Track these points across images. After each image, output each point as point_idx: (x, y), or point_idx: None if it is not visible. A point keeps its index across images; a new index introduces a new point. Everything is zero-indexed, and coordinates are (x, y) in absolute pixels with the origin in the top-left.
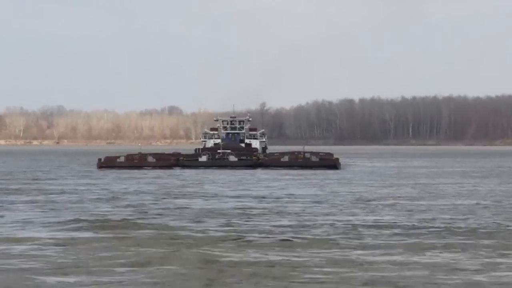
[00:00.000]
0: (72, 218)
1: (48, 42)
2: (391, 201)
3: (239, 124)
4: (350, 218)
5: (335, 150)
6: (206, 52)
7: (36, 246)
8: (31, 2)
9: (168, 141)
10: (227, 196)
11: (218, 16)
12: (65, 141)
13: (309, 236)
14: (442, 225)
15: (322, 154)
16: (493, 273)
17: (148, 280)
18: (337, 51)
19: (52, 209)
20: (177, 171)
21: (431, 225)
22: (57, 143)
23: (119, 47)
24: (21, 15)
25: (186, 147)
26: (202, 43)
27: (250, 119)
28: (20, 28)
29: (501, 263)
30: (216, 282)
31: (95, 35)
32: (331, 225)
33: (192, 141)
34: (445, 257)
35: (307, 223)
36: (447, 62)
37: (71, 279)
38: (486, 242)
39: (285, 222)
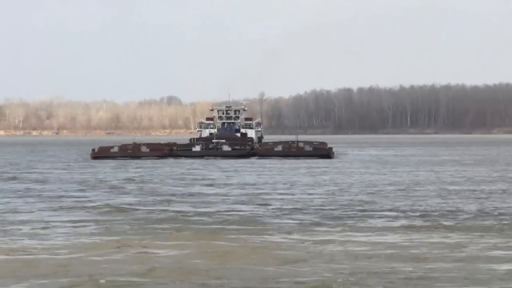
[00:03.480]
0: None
1: (46, 33)
2: (375, 189)
3: (235, 113)
4: (342, 203)
5: (333, 139)
6: (204, 41)
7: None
8: None
9: (167, 131)
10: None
11: (214, 5)
12: (65, 131)
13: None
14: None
15: (316, 143)
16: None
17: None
18: (336, 39)
19: (35, 196)
20: (171, 160)
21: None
22: (57, 133)
23: (117, 36)
24: (19, 6)
25: (185, 136)
26: (201, 32)
27: (246, 108)
28: (18, 19)
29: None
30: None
31: (93, 25)
32: (316, 210)
33: (191, 131)
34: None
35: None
36: (445, 50)
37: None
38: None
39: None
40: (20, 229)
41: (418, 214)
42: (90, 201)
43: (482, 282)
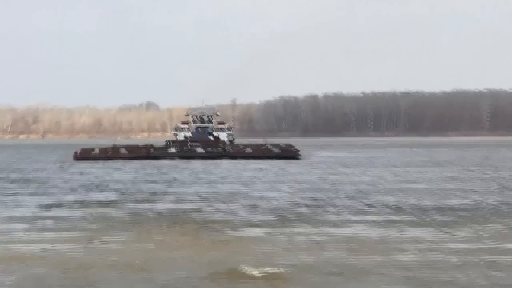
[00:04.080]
0: (55, 198)
1: (31, 40)
2: (333, 187)
3: (208, 118)
4: (305, 200)
5: (300, 142)
6: (181, 50)
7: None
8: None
9: (146, 134)
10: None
11: (186, 20)
12: (50, 135)
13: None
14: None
15: (283, 146)
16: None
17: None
18: (303, 49)
19: (32, 195)
20: (147, 161)
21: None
22: (42, 137)
23: (99, 45)
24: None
25: (162, 140)
26: (178, 41)
27: (218, 113)
28: (4, 25)
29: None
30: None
31: (76, 32)
32: (288, 208)
33: (168, 134)
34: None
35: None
36: (405, 59)
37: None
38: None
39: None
40: (7, 224)
41: (376, 209)
42: (67, 199)
43: (436, 268)
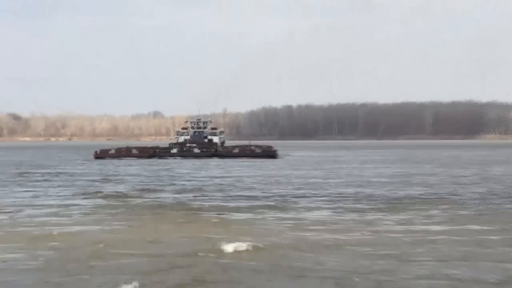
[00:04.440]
0: (75, 189)
1: (60, 57)
2: (305, 180)
3: (203, 124)
4: (281, 191)
5: (278, 144)
6: (182, 67)
7: (61, 209)
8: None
9: (153, 137)
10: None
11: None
12: (75, 138)
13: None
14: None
15: (264, 147)
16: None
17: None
18: (280, 65)
19: (60, 186)
20: (154, 160)
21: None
22: (69, 139)
23: (116, 60)
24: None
25: (166, 142)
26: (181, 58)
27: (212, 121)
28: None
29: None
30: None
31: (95, 50)
32: (266, 197)
33: (171, 137)
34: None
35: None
36: (363, 74)
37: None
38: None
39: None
40: (40, 210)
41: (340, 198)
42: (87, 189)
43: (387, 247)
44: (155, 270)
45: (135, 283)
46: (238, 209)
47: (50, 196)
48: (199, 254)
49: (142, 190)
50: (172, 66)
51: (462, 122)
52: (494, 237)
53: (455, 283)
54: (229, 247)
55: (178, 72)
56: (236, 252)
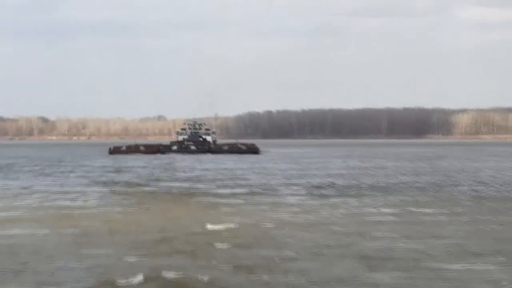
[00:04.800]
0: (92, 179)
1: (79, 70)
2: (282, 171)
3: (199, 126)
4: (263, 180)
5: (260, 142)
6: (180, 81)
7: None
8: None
9: (158, 137)
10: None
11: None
12: (93, 137)
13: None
14: (315, 183)
15: (249, 144)
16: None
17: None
18: (262, 75)
19: (80, 177)
20: (158, 156)
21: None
22: (88, 138)
23: (127, 72)
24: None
25: (168, 140)
26: (177, 74)
27: (205, 123)
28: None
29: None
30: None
31: (111, 65)
32: (251, 185)
33: (172, 136)
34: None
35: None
36: (330, 83)
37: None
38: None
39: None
40: (65, 195)
41: (311, 186)
42: (103, 178)
43: (350, 225)
44: (154, 242)
45: (137, 253)
46: (228, 195)
47: (73, 184)
48: (193, 229)
49: (148, 179)
50: (174, 78)
51: (412, 124)
52: (434, 218)
53: (405, 253)
54: (218, 224)
55: (179, 83)
56: (225, 228)
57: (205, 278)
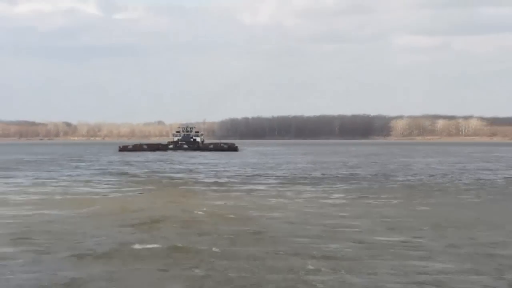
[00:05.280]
0: (106, 171)
1: (94, 84)
2: (259, 165)
3: (190, 129)
4: (241, 171)
5: (238, 142)
6: (176, 93)
7: (94, 184)
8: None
9: (158, 138)
10: (185, 162)
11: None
12: (107, 138)
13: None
14: (290, 175)
15: (230, 144)
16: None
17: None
18: (241, 88)
19: (97, 169)
20: (158, 152)
21: (284, 174)
22: (103, 139)
23: (134, 85)
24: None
25: (166, 140)
26: (174, 88)
27: (195, 127)
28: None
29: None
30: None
31: (121, 80)
32: (231, 176)
33: (169, 138)
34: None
35: (215, 172)
36: (293, 94)
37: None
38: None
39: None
40: (84, 183)
41: (278, 176)
42: (112, 170)
43: (313, 208)
44: (151, 221)
45: (135, 230)
46: (213, 183)
47: (90, 174)
48: (186, 208)
49: (151, 171)
50: (171, 91)
51: (359, 128)
52: (376, 202)
53: (354, 229)
54: (203, 205)
55: (175, 95)
56: (209, 207)
57: (194, 241)
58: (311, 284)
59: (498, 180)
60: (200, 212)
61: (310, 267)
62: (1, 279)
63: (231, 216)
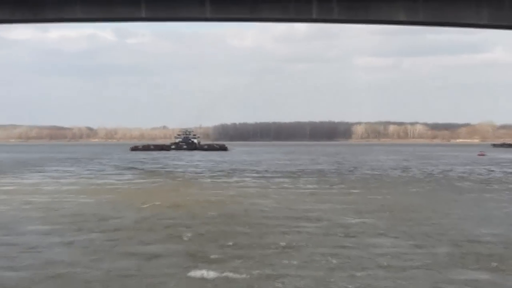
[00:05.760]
0: (120, 166)
1: (109, 97)
2: (244, 162)
3: (189, 133)
4: (229, 166)
5: (228, 143)
6: (177, 103)
7: (114, 181)
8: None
9: (163, 140)
10: (183, 160)
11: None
12: (121, 139)
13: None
14: (272, 170)
15: (221, 144)
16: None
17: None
18: (229, 100)
19: (113, 165)
20: (163, 152)
21: (265, 169)
22: (118, 141)
23: (143, 98)
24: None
25: (169, 142)
26: (175, 99)
27: (193, 131)
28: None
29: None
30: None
31: (132, 94)
32: (222, 169)
33: (172, 140)
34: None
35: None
36: (272, 104)
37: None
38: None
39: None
40: (102, 176)
41: (260, 170)
42: (123, 166)
43: (289, 195)
44: (159, 206)
45: (135, 212)
46: (207, 176)
47: (107, 169)
48: (185, 195)
49: (157, 167)
50: (174, 101)
51: (326, 132)
52: (338, 191)
53: (321, 212)
54: (199, 193)
55: (177, 104)
56: (204, 195)
57: (190, 215)
58: (287, 253)
59: (436, 174)
60: (192, 198)
61: (282, 243)
62: (44, 250)
63: (219, 200)
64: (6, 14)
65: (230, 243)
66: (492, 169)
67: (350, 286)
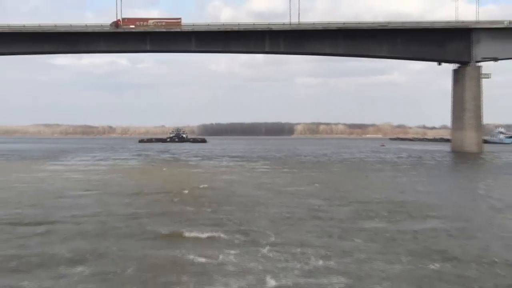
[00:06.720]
0: (132, 154)
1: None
2: (225, 151)
3: (180, 130)
4: (209, 154)
5: (208, 138)
6: (172, 107)
7: (123, 162)
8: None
9: (161, 135)
10: (175, 148)
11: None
12: (133, 135)
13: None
14: (255, 156)
15: (202, 138)
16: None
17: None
18: (216, 104)
19: (127, 152)
20: (163, 143)
21: (244, 156)
22: (130, 136)
23: (149, 104)
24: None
25: (166, 136)
26: (172, 101)
27: (182, 128)
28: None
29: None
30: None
31: (140, 102)
32: (197, 155)
33: (168, 135)
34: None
35: (200, 154)
36: (241, 108)
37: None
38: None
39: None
40: (116, 160)
41: (232, 156)
42: (134, 153)
43: (261, 176)
44: (163, 178)
45: (158, 184)
46: (192, 160)
47: (120, 155)
48: (177, 175)
49: (158, 153)
50: (169, 108)
51: (276, 130)
52: (284, 170)
53: (272, 184)
54: (188, 173)
55: (171, 110)
56: (190, 174)
57: (183, 192)
58: (250, 214)
59: (353, 158)
60: (182, 175)
61: (245, 208)
62: (80, 208)
63: (205, 178)
64: (53, 47)
65: (207, 202)
66: (388, 155)
67: (290, 222)
